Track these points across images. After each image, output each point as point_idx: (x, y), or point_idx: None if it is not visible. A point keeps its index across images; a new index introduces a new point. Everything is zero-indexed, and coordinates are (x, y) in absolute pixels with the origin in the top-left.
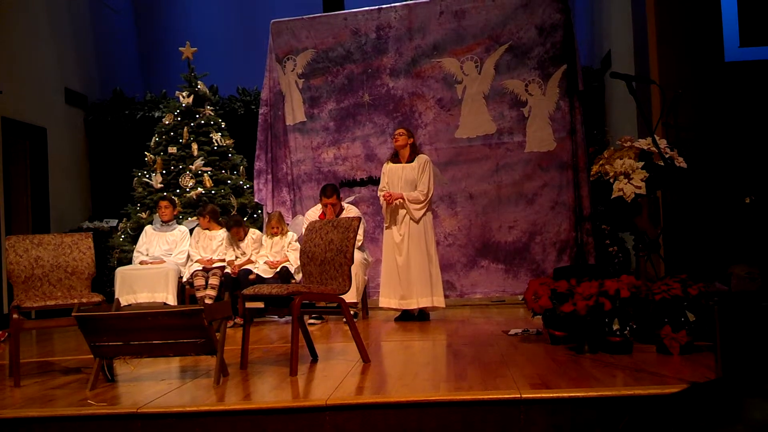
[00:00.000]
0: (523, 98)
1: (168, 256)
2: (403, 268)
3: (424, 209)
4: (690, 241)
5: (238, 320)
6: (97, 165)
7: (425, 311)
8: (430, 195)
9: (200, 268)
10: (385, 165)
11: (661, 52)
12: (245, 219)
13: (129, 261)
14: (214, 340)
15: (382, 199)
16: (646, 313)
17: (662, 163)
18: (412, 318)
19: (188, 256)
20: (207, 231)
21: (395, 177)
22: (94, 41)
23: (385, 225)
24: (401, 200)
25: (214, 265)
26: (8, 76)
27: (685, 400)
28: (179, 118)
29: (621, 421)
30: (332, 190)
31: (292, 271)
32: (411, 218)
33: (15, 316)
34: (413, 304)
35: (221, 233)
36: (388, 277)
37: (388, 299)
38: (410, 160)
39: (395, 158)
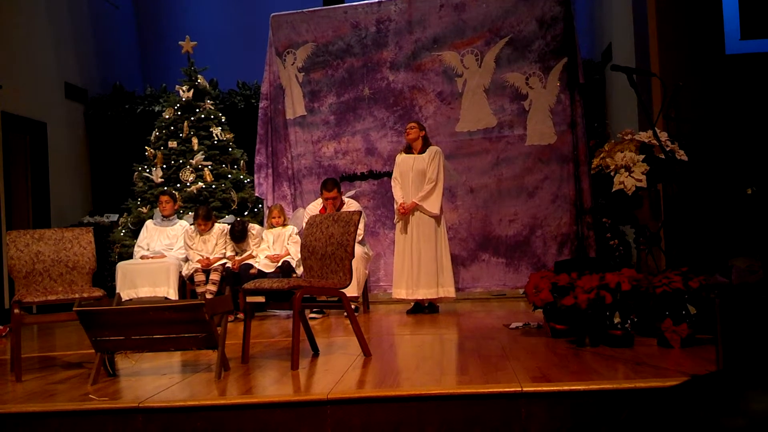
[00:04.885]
0: (524, 91)
1: (169, 251)
2: (413, 259)
3: (438, 203)
4: (691, 233)
5: (240, 315)
6: (98, 160)
7: (434, 303)
8: (439, 184)
9: (200, 266)
10: (397, 156)
11: (661, 45)
12: (245, 214)
13: (130, 256)
14: (216, 334)
15: (398, 204)
16: (647, 307)
17: (663, 156)
18: (423, 310)
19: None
20: (200, 234)
21: (407, 167)
22: (94, 36)
23: (395, 220)
24: (414, 206)
25: (216, 264)
26: (8, 70)
27: (686, 392)
28: (179, 113)
29: (622, 415)
30: (333, 184)
31: (294, 265)
32: (431, 216)
33: (16, 311)
34: (419, 295)
35: (215, 231)
36: (399, 268)
37: (398, 290)
38: (422, 151)
39: (408, 150)
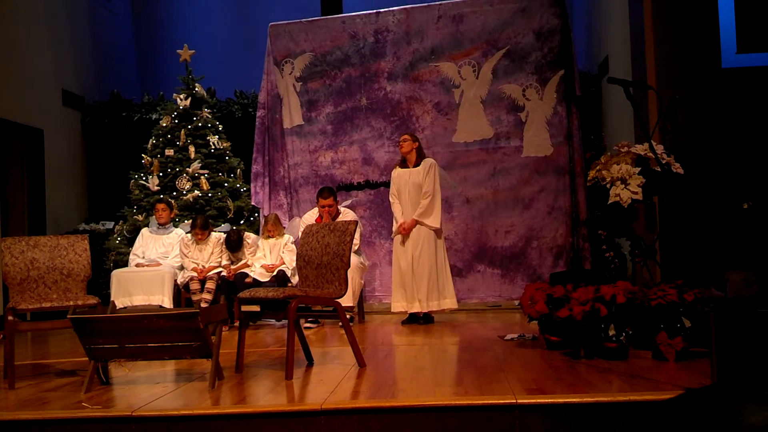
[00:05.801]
0: (521, 103)
1: (164, 259)
2: (413, 272)
3: (437, 218)
4: (686, 246)
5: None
6: (94, 167)
7: (430, 314)
8: (437, 197)
9: (196, 274)
10: (393, 171)
11: (658, 58)
12: (242, 222)
13: (125, 263)
14: (210, 343)
15: (397, 224)
16: (642, 319)
17: (659, 169)
18: (418, 321)
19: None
20: (197, 243)
21: (403, 182)
22: (92, 43)
23: (393, 234)
24: (414, 224)
25: (211, 272)
26: (5, 77)
27: (681, 405)
28: (176, 121)
29: (616, 428)
30: (329, 192)
31: (289, 275)
32: (431, 230)
33: (10, 317)
34: (421, 308)
35: (212, 240)
36: (397, 281)
37: (397, 303)
38: (417, 164)
39: (403, 164)
